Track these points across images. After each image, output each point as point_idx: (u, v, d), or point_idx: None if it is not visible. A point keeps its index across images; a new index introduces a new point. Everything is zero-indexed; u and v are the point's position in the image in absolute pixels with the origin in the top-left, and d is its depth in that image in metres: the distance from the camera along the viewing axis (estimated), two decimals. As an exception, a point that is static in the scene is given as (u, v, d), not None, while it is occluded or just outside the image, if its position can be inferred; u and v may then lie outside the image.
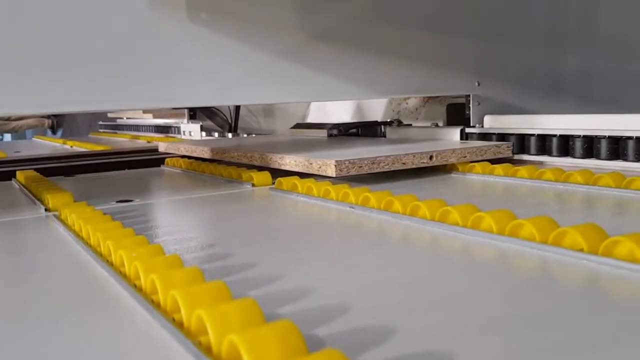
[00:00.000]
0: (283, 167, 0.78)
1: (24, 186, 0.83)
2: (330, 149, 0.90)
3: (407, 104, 1.32)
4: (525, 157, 0.82)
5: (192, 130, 1.70)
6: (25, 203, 0.71)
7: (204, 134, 1.64)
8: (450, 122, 1.14)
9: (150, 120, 2.18)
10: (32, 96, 0.64)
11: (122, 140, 2.00)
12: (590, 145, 0.74)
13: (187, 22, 0.71)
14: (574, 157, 0.76)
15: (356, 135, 1.14)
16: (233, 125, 1.83)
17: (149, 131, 2.12)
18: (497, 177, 0.71)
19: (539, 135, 0.80)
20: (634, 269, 0.33)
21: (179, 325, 0.28)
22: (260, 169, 0.80)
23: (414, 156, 0.73)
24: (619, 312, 0.29)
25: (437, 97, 1.19)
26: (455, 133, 0.91)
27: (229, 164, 0.91)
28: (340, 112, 1.51)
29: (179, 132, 1.81)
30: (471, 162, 0.77)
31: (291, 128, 1.32)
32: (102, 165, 1.09)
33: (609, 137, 0.72)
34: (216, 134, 1.61)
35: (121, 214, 0.60)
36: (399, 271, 0.37)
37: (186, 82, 0.72)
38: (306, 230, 0.50)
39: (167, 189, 0.84)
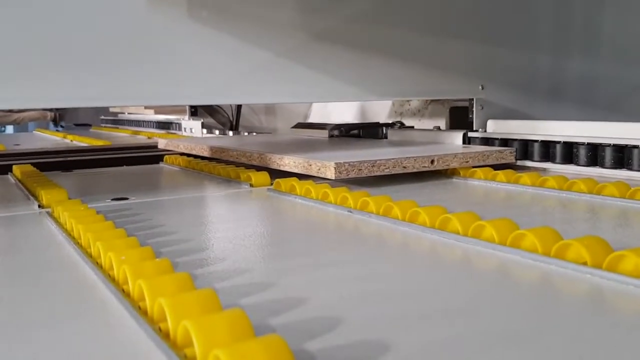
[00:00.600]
0: (282, 168, 0.77)
1: (19, 181, 0.82)
2: (330, 150, 0.89)
3: (409, 105, 1.31)
4: (528, 163, 0.81)
5: (193, 127, 1.69)
6: (19, 198, 0.70)
7: (204, 131, 1.63)
8: (453, 125, 1.13)
9: (151, 115, 2.17)
10: (30, 91, 0.63)
11: (123, 136, 1.99)
12: (595, 153, 0.73)
13: (187, 19, 0.70)
14: (578, 164, 0.75)
15: (357, 136, 1.13)
16: (234, 123, 1.82)
17: (150, 127, 2.11)
18: (499, 184, 0.69)
19: (542, 142, 0.79)
20: (639, 284, 0.32)
21: (166, 335, 0.27)
22: (259, 168, 0.79)
23: (415, 160, 0.72)
24: (623, 329, 0.28)
25: (440, 99, 1.18)
26: (457, 137, 0.89)
27: (228, 162, 0.90)
28: (343, 111, 1.50)
29: (179, 129, 1.80)
30: (473, 167, 0.75)
31: (292, 127, 1.31)
32: (101, 161, 1.08)
33: (614, 145, 0.71)
34: (217, 132, 1.60)
35: (115, 212, 0.59)
36: (397, 281, 0.36)
37: (186, 80, 0.71)
38: (303, 235, 0.49)
39: (164, 187, 0.83)
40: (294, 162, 0.75)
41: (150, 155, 1.13)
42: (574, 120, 0.80)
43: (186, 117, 1.83)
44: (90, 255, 0.41)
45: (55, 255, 0.43)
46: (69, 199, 0.63)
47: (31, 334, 0.28)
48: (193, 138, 1.49)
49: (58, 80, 0.64)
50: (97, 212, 0.53)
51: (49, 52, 0.63)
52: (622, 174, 0.70)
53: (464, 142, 0.89)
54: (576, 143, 0.75)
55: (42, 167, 0.94)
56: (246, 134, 1.54)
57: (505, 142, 0.84)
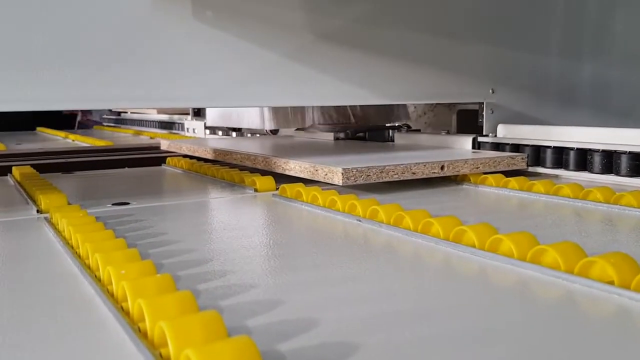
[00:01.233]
0: (287, 172, 0.75)
1: (18, 183, 0.80)
2: (336, 154, 0.87)
3: (414, 107, 1.29)
4: (540, 169, 0.79)
5: (196, 127, 1.67)
6: (18, 202, 0.68)
7: (207, 131, 1.61)
8: (460, 129, 1.11)
9: (154, 115, 2.15)
10: (31, 93, 0.61)
11: (125, 136, 1.97)
12: (610, 161, 0.71)
13: (191, 20, 0.68)
14: (592, 172, 0.73)
15: (363, 139, 1.11)
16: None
17: (153, 127, 2.09)
18: (512, 191, 0.67)
19: (555, 148, 0.77)
20: (672, 308, 0.30)
21: (166, 362, 0.25)
22: (263, 172, 0.77)
23: (424, 166, 0.70)
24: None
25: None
26: (466, 141, 0.87)
27: (232, 165, 0.88)
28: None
29: (182, 129, 1.78)
30: (484, 173, 0.73)
31: (296, 129, 1.29)
32: (102, 163, 1.06)
33: (630, 152, 0.69)
34: (220, 132, 1.58)
35: (115, 218, 0.57)
36: (412, 300, 0.34)
37: (190, 82, 0.69)
38: (311, 247, 0.47)
39: (166, 191, 0.81)
40: (300, 167, 0.73)
41: (152, 157, 1.11)
42: (586, 125, 0.78)
43: (189, 117, 1.81)
44: (88, 267, 0.39)
45: (52, 267, 0.41)
46: (69, 203, 0.61)
47: (30, 352, 0.27)
48: (196, 139, 1.47)
49: (58, 82, 0.62)
50: (97, 219, 0.51)
51: (50, 52, 0.61)
52: (639, 182, 0.68)
53: (473, 147, 0.87)
54: (590, 150, 0.73)
55: (43, 169, 0.92)
56: (249, 135, 1.52)
57: (516, 147, 0.82)
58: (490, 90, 0.90)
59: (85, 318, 0.31)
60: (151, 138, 1.71)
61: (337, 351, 0.26)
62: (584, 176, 0.74)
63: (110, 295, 0.33)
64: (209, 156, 0.98)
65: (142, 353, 0.26)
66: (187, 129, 1.73)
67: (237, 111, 1.28)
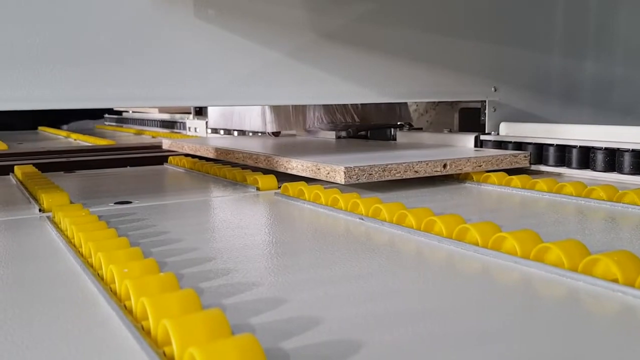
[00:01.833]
0: (289, 171, 0.75)
1: (20, 182, 0.80)
2: (338, 153, 0.87)
3: (416, 105, 1.29)
4: (543, 167, 0.79)
5: (197, 126, 1.67)
6: (20, 201, 0.68)
7: (209, 130, 1.61)
8: (463, 127, 1.10)
9: (155, 114, 2.15)
10: (31, 92, 0.61)
11: (127, 135, 1.97)
12: (613, 159, 0.71)
13: (193, 18, 0.68)
14: (595, 170, 0.73)
15: (365, 137, 1.11)
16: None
17: (154, 126, 2.10)
18: (514, 189, 0.67)
19: (558, 146, 0.77)
20: (676, 306, 0.30)
21: (170, 360, 0.25)
22: (265, 171, 0.77)
23: (427, 164, 0.70)
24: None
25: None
26: (469, 140, 0.87)
27: (234, 164, 0.88)
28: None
29: (184, 128, 1.78)
30: (486, 171, 0.73)
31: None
32: (104, 162, 1.06)
33: (633, 150, 0.69)
34: (222, 131, 1.58)
35: (118, 217, 0.57)
36: (415, 299, 0.34)
37: (192, 81, 0.69)
38: (313, 245, 0.47)
39: (168, 190, 0.81)
40: (302, 166, 0.73)
41: (154, 156, 1.11)
42: (589, 123, 0.78)
43: (191, 116, 1.81)
44: (91, 266, 0.39)
45: (55, 266, 0.41)
46: (71, 202, 0.61)
47: (25, 353, 0.26)
48: (198, 138, 1.47)
49: (59, 80, 0.62)
50: (100, 218, 0.52)
51: (51, 52, 0.61)
52: (641, 180, 0.68)
53: (475, 145, 0.87)
54: (593, 147, 0.73)
55: (44, 168, 0.92)
56: (251, 134, 1.52)
57: (518, 145, 0.81)
58: (493, 89, 0.90)
59: (88, 317, 0.31)
60: (153, 137, 1.71)
61: (340, 349, 0.26)
62: (586, 174, 0.74)
63: (113, 294, 0.33)
64: (211, 155, 0.98)
65: (145, 351, 0.26)
66: (189, 128, 1.73)
67: (239, 113, 1.28)
